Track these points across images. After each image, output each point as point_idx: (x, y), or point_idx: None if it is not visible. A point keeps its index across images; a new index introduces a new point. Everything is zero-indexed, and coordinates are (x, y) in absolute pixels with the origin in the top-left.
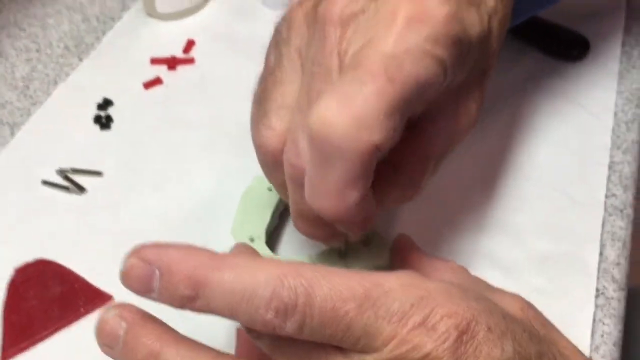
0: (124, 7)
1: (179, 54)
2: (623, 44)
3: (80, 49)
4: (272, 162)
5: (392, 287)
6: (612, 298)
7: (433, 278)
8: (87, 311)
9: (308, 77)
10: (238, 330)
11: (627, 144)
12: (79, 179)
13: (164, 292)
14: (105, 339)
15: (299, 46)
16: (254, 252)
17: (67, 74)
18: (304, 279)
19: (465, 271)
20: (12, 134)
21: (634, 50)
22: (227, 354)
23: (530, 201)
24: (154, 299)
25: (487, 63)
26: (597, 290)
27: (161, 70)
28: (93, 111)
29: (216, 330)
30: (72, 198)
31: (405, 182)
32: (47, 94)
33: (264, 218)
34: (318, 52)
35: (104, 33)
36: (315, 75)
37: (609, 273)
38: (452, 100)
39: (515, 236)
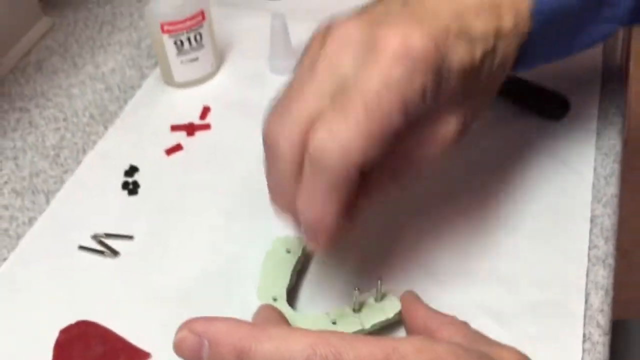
0: (143, 76)
1: (196, 120)
2: (600, 102)
3: (104, 117)
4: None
5: (407, 351)
6: (598, 342)
7: (439, 334)
8: None
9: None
10: None
11: (606, 198)
12: (112, 242)
13: None
14: None
15: (334, 60)
16: (280, 315)
17: (94, 142)
18: (332, 347)
19: (466, 326)
20: (47, 201)
21: (610, 107)
22: None
23: (519, 253)
24: None
25: (475, 91)
26: (584, 335)
27: (181, 137)
28: (120, 177)
29: None
30: (107, 261)
31: (389, 179)
32: (77, 161)
33: (285, 279)
34: (314, 68)
35: (125, 101)
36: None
37: (594, 319)
38: (432, 116)
39: (506, 286)
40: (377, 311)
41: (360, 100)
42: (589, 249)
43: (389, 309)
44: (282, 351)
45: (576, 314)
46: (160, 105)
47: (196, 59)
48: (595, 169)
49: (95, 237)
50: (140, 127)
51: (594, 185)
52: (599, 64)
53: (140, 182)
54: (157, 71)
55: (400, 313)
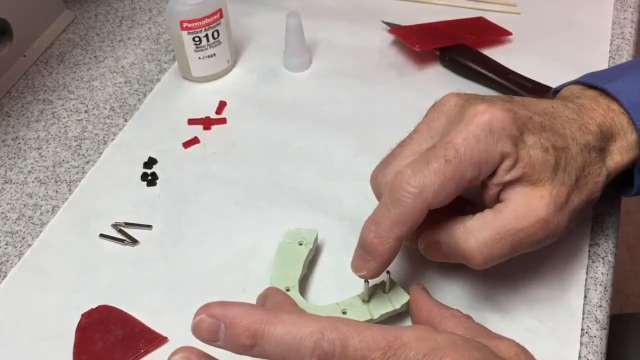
0: (161, 70)
1: (213, 114)
2: None
3: (124, 110)
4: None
5: (409, 339)
6: (595, 337)
7: (442, 326)
8: (147, 352)
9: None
10: None
11: (609, 196)
12: (132, 231)
13: (228, 341)
14: None
15: (431, 124)
16: (289, 299)
17: (115, 134)
18: (340, 333)
19: (469, 319)
20: (70, 190)
21: None
22: None
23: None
24: (219, 347)
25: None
26: (582, 330)
27: (197, 130)
28: (140, 169)
29: None
30: (127, 249)
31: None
32: (98, 152)
33: (297, 270)
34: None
35: (144, 95)
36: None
37: (592, 314)
38: (516, 190)
39: (508, 280)
40: (385, 302)
41: (443, 152)
42: (590, 246)
43: (397, 300)
44: (292, 334)
45: (575, 309)
46: (177, 99)
47: (213, 55)
48: None
49: (116, 226)
50: (158, 120)
51: None
52: (604, 66)
53: (158, 173)
54: (175, 66)
55: (407, 304)
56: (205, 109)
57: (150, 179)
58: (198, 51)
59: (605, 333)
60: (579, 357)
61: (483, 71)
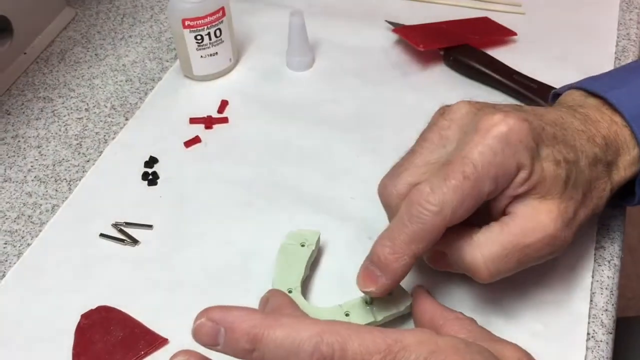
0: (163, 69)
1: (214, 113)
2: None
3: (125, 108)
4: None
5: (409, 342)
6: (601, 341)
7: (444, 328)
8: (147, 353)
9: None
10: None
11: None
12: (132, 231)
13: (228, 346)
14: None
15: (442, 132)
16: (291, 301)
17: (115, 133)
18: (339, 336)
19: (472, 322)
20: (70, 189)
21: None
22: None
23: None
24: (219, 351)
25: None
26: (588, 334)
27: (199, 129)
28: (140, 168)
29: None
30: (127, 249)
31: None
32: (99, 151)
33: (299, 271)
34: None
35: (145, 93)
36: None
37: (598, 319)
38: (525, 202)
39: (513, 284)
40: (388, 304)
41: (460, 168)
42: (595, 249)
43: (400, 302)
44: (291, 338)
45: (581, 312)
46: (179, 98)
47: (215, 54)
48: None
49: (116, 226)
50: (159, 119)
51: None
52: (609, 67)
53: (159, 173)
54: (177, 64)
55: (410, 306)
56: (207, 108)
57: (151, 179)
58: (200, 49)
59: (611, 337)
60: None
61: (487, 71)
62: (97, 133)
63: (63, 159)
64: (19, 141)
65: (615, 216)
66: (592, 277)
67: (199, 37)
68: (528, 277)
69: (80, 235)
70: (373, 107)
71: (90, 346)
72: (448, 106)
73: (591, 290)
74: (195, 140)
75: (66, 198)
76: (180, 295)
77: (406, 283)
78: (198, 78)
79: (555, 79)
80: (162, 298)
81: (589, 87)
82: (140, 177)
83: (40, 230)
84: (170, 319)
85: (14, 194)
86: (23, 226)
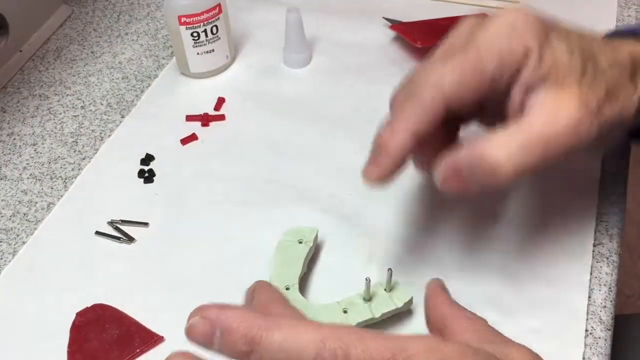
0: (159, 66)
1: (211, 110)
2: None
3: (121, 105)
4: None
5: (416, 351)
6: (600, 338)
7: (454, 327)
8: (143, 351)
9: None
10: None
11: (614, 196)
12: (128, 229)
13: (224, 347)
14: None
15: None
16: (280, 296)
17: (111, 130)
18: (342, 342)
19: (483, 323)
20: (65, 187)
21: None
22: None
23: (525, 248)
24: (214, 351)
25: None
26: (586, 330)
27: (196, 127)
28: (137, 165)
29: None
30: (123, 247)
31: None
32: (95, 149)
33: (297, 268)
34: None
35: (142, 91)
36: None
37: (596, 315)
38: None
39: (511, 280)
40: (387, 301)
41: (462, 49)
42: (594, 245)
43: (399, 298)
44: (292, 341)
45: (579, 309)
46: (175, 95)
47: (212, 51)
48: (602, 167)
49: (112, 223)
50: (156, 117)
51: (600, 183)
52: None
53: (155, 170)
54: (173, 61)
55: (410, 303)
56: (204, 105)
57: (147, 176)
58: (196, 47)
59: (609, 334)
60: (583, 358)
61: None
62: (93, 131)
63: (59, 157)
64: (14, 139)
65: (613, 213)
66: (591, 273)
67: (195, 34)
68: (526, 274)
69: (75, 233)
70: (370, 104)
71: (85, 344)
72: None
73: (589, 286)
74: (192, 137)
75: (62, 196)
76: (176, 293)
77: (409, 280)
78: (194, 75)
79: None
80: (158, 296)
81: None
82: (136, 175)
83: (35, 228)
84: (166, 316)
85: (9, 192)
86: (18, 224)
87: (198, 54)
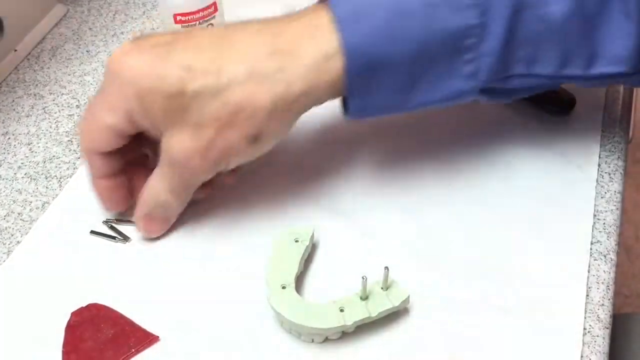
0: None
1: None
2: (606, 99)
3: None
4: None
5: None
6: (598, 336)
7: None
8: (138, 351)
9: None
10: None
11: (610, 194)
12: (123, 228)
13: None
14: None
15: None
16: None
17: None
18: None
19: None
20: (60, 186)
21: (615, 104)
22: None
23: (522, 246)
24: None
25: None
26: (584, 329)
27: None
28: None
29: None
30: (118, 246)
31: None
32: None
33: (293, 267)
34: None
35: None
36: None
37: (594, 313)
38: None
39: (509, 279)
40: (383, 299)
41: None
42: (592, 244)
43: (395, 297)
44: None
45: (577, 307)
46: None
47: None
48: (599, 165)
49: (107, 223)
50: None
51: (597, 181)
52: None
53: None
54: None
55: (406, 301)
56: None
57: None
58: None
59: (607, 332)
60: (581, 356)
61: None
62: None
63: (54, 156)
64: (9, 138)
65: (611, 211)
66: (588, 271)
67: None
68: (523, 272)
69: (70, 232)
70: None
71: (80, 344)
72: None
73: (587, 285)
74: None
75: (57, 195)
76: (171, 293)
77: (405, 279)
78: None
79: None
80: (153, 295)
81: None
82: None
83: (30, 228)
84: (161, 316)
85: (4, 191)
86: (13, 224)
87: None
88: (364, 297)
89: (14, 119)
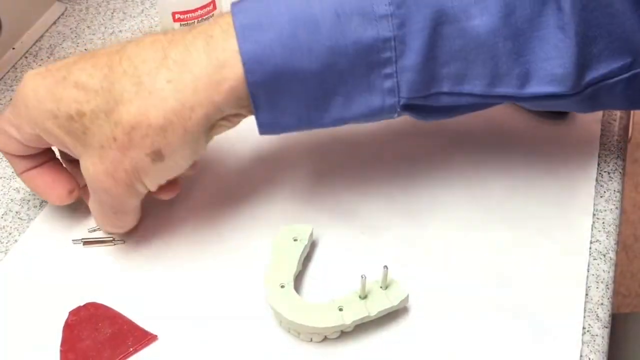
0: None
1: None
2: None
3: None
4: None
5: None
6: (597, 335)
7: None
8: (136, 350)
9: None
10: None
11: (609, 193)
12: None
13: None
14: None
15: None
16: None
17: None
18: None
19: None
20: None
21: None
22: None
23: (522, 246)
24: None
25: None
26: (584, 328)
27: None
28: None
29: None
30: (116, 245)
31: None
32: None
33: (292, 266)
34: None
35: None
36: None
37: (593, 312)
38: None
39: (509, 279)
40: (382, 298)
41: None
42: (591, 242)
43: (395, 296)
44: None
45: (576, 306)
46: None
47: None
48: (598, 164)
49: (80, 240)
50: None
51: (597, 181)
52: None
53: None
54: None
55: (405, 300)
56: None
57: None
58: None
59: (607, 332)
60: (581, 356)
61: None
62: None
63: None
64: None
65: (610, 210)
66: (588, 270)
67: None
68: (522, 271)
69: (68, 231)
70: None
71: (78, 343)
72: None
73: (586, 284)
74: None
75: None
76: (169, 292)
77: (405, 278)
78: None
79: None
80: (151, 294)
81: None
82: None
83: (27, 227)
84: (160, 315)
85: (2, 190)
86: (10, 222)
87: None
88: (363, 297)
89: None
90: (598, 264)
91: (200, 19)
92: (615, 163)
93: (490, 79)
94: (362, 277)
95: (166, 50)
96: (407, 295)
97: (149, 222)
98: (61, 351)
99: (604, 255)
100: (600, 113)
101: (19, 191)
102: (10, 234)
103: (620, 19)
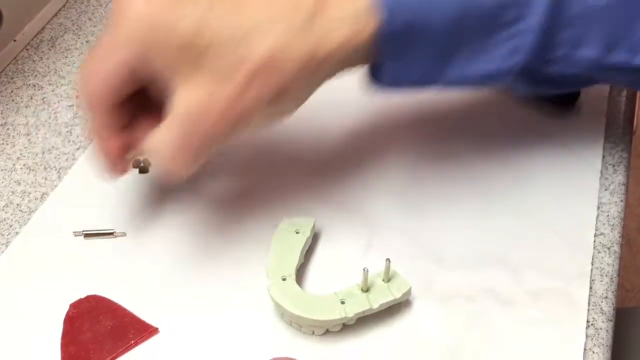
0: None
1: None
2: (610, 91)
3: None
4: None
5: None
6: (601, 329)
7: None
8: (137, 343)
9: None
10: None
11: (614, 186)
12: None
13: None
14: None
15: None
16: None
17: None
18: None
19: None
20: (59, 177)
21: (620, 95)
22: None
23: (526, 238)
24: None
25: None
26: (588, 321)
27: None
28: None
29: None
30: (117, 238)
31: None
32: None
33: (294, 259)
34: None
35: None
36: None
37: (598, 306)
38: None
39: (512, 271)
40: (385, 291)
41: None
42: (595, 236)
43: (397, 289)
44: None
45: (580, 300)
46: None
47: None
48: (603, 157)
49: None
50: None
51: (601, 173)
52: None
53: (151, 160)
54: None
55: (408, 293)
56: None
57: (142, 166)
58: None
59: (611, 325)
60: (585, 349)
61: None
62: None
63: (53, 147)
64: (7, 129)
65: (615, 203)
66: (592, 264)
67: None
68: (526, 264)
69: (69, 223)
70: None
71: (79, 336)
72: None
73: (591, 277)
74: None
75: (55, 186)
76: (170, 284)
77: (407, 271)
78: None
79: None
80: (152, 287)
81: None
82: (131, 165)
83: (28, 219)
84: (161, 308)
85: (2, 182)
86: (11, 214)
87: None
88: (365, 289)
89: (13, 109)
90: (602, 257)
91: None
92: (620, 155)
93: (606, 43)
94: (364, 270)
95: None
96: (410, 288)
97: (150, 214)
98: (62, 344)
99: (609, 249)
100: (605, 105)
101: (19, 183)
102: (11, 226)
103: None
